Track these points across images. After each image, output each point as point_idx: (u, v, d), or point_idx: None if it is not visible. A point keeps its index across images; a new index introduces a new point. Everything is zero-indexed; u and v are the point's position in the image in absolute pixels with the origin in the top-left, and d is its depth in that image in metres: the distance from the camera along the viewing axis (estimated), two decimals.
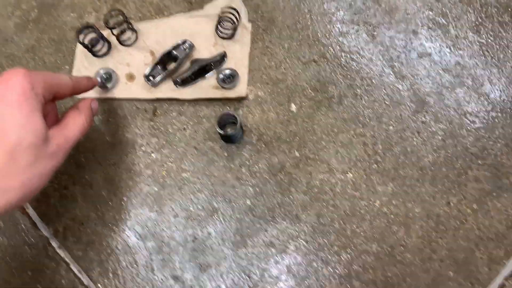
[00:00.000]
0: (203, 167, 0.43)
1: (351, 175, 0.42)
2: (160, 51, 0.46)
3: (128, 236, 0.42)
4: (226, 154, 0.43)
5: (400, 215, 0.41)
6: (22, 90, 0.31)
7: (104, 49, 0.47)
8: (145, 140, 0.45)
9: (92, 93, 0.45)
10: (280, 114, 0.44)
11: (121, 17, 0.45)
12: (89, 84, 0.41)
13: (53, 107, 0.38)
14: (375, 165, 0.42)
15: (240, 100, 0.45)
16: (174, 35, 0.47)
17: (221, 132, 0.42)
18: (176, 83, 0.45)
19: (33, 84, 0.32)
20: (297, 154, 0.43)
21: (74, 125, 0.36)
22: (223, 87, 0.45)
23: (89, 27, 0.45)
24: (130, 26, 0.46)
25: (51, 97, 0.35)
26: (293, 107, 0.44)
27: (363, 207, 0.41)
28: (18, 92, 0.31)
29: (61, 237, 0.42)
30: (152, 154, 0.44)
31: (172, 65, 0.46)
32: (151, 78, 0.45)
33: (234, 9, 0.45)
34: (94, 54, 0.46)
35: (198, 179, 0.43)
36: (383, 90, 0.44)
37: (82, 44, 0.45)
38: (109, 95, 0.46)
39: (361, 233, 0.40)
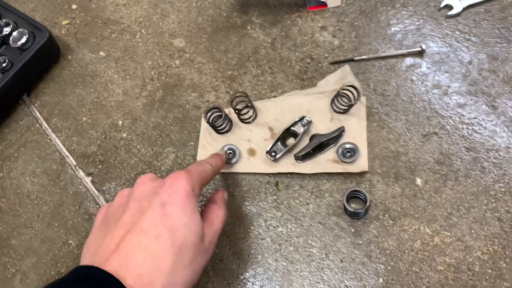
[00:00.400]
0: (330, 243, 0.44)
1: (489, 253, 0.41)
2: (279, 127, 0.49)
3: None
4: (352, 229, 0.44)
5: None
6: (186, 192, 0.35)
7: (227, 127, 0.50)
8: (269, 214, 0.46)
9: None
10: (405, 188, 0.44)
11: (245, 98, 0.49)
12: (223, 163, 0.45)
13: None
14: None
15: (361, 174, 0.46)
16: (292, 112, 0.49)
17: (351, 209, 0.43)
18: (296, 158, 0.47)
19: (193, 186, 0.36)
20: (427, 230, 0.42)
21: (217, 219, 0.39)
22: (343, 161, 0.46)
23: (215, 107, 0.49)
24: (251, 105, 0.50)
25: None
26: (418, 181, 0.44)
27: None
28: (183, 195, 0.35)
29: None
30: (278, 228, 0.46)
31: (291, 141, 0.48)
32: (272, 153, 0.48)
33: (353, 86, 0.47)
34: (218, 131, 0.50)
35: (326, 255, 0.43)
36: None
37: (209, 122, 0.49)
38: (233, 169, 0.49)
39: None
